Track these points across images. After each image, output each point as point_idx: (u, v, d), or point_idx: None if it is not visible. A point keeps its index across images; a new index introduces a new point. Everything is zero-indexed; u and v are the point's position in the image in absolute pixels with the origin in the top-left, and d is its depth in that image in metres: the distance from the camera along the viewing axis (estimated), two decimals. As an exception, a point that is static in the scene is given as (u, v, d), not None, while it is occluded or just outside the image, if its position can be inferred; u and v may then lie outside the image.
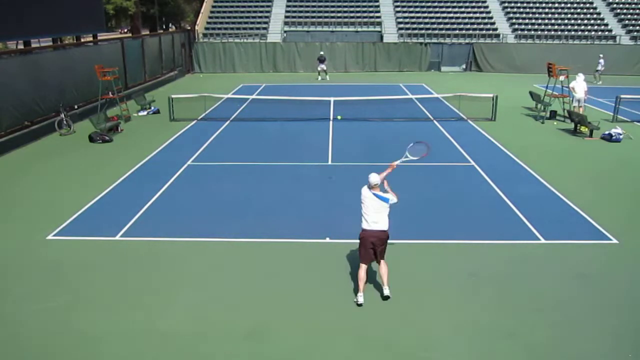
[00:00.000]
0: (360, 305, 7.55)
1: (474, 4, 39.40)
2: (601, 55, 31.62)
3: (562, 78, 20.25)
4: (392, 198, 7.53)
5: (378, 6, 39.28)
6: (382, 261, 7.74)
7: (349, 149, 15.85)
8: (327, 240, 9.65)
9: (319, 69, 32.11)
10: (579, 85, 19.90)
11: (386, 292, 7.63)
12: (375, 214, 7.50)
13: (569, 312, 7.45)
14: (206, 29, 37.91)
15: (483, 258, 9.04)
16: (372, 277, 8.28)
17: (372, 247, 7.59)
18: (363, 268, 7.66)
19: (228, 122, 19.83)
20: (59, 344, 6.74)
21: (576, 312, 7.45)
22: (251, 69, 35.75)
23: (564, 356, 6.54)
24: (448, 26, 37.69)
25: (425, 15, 38.55)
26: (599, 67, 31.05)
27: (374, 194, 7.48)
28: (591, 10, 38.79)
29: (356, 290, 7.74)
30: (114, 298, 7.78)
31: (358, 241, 7.75)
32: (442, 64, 36.51)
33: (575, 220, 10.65)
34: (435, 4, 39.46)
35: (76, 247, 9.47)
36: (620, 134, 17.02)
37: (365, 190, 7.59)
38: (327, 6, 39.21)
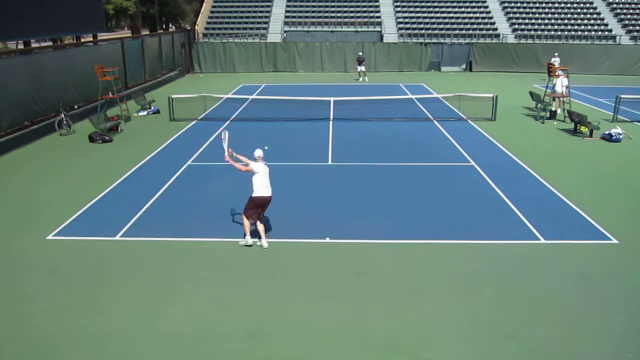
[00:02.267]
0: (250, 245, 9.25)
1: (474, 4, 39.39)
2: (556, 54, 31.55)
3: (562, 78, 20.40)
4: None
5: (378, 6, 39.27)
6: (261, 218, 9.38)
7: (349, 149, 15.85)
8: (327, 240, 9.65)
9: (358, 70, 31.76)
10: (561, 81, 20.47)
11: (265, 244, 9.31)
12: (267, 179, 9.16)
13: (569, 312, 7.45)
14: (206, 29, 37.91)
15: (483, 258, 9.04)
16: (371, 275, 8.29)
17: (262, 208, 9.19)
18: (249, 222, 9.22)
19: (228, 122, 19.82)
20: (59, 343, 6.74)
21: (576, 312, 7.45)
22: (251, 69, 35.75)
23: (564, 356, 6.54)
24: (448, 26, 37.68)
25: (425, 15, 38.54)
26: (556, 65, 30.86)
27: (264, 163, 9.25)
28: (591, 10, 38.78)
29: (247, 237, 9.31)
30: (114, 298, 7.78)
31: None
32: (442, 64, 36.49)
33: (575, 220, 10.65)
34: (435, 4, 39.45)
35: (76, 247, 9.47)
36: (620, 134, 17.02)
37: (256, 164, 9.17)
38: (327, 6, 39.21)
